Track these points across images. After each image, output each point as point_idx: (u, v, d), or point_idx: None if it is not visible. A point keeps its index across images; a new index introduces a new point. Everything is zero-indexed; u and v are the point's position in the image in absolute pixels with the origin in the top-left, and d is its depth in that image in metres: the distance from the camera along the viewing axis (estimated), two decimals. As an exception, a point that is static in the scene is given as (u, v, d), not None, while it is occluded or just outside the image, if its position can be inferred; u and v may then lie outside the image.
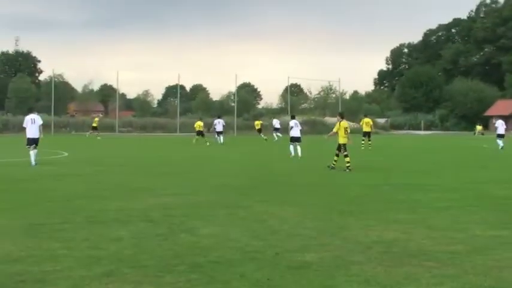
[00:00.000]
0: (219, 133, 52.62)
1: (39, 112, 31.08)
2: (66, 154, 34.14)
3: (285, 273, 7.77)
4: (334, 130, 25.04)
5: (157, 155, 35.42)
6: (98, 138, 61.21)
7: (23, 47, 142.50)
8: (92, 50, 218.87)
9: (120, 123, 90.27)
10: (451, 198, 15.57)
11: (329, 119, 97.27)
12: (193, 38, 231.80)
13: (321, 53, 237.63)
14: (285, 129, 59.51)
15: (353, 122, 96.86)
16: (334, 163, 24.25)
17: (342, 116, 25.30)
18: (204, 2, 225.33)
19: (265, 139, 56.10)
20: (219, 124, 53.08)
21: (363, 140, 42.67)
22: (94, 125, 68.43)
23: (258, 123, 64.32)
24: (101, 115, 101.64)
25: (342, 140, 24.44)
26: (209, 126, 52.93)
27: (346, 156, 24.08)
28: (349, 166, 23.62)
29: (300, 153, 30.79)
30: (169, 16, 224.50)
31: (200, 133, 50.40)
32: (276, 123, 63.33)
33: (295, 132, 31.50)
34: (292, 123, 32.22)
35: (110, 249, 9.12)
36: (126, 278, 7.49)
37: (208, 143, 47.55)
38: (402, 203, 14.63)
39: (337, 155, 24.45)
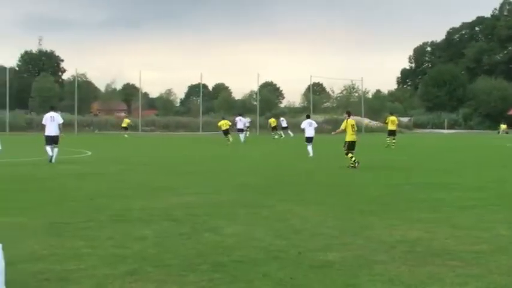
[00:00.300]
0: (239, 130, 53.07)
1: (62, 111, 31.32)
2: (89, 153, 34.35)
3: (308, 272, 7.77)
4: (342, 127, 25.39)
5: (179, 154, 35.52)
6: (125, 136, 61.65)
7: (46, 47, 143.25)
8: (114, 49, 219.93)
9: (143, 122, 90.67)
10: (474, 197, 15.47)
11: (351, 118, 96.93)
12: (215, 37, 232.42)
13: (344, 52, 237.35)
14: (296, 127, 59.99)
15: (376, 121, 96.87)
16: (352, 162, 24.33)
17: (349, 114, 25.82)
18: (226, 1, 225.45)
19: (275, 137, 56.73)
20: (240, 122, 53.61)
21: (388, 139, 42.56)
22: (124, 125, 68.98)
23: (273, 121, 65.20)
24: (123, 114, 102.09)
25: (350, 137, 24.84)
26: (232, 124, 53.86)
27: (347, 154, 24.55)
28: (355, 161, 24.02)
29: (311, 153, 30.98)
30: (192, 15, 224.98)
31: (227, 132, 50.68)
32: (283, 122, 64.51)
33: (309, 132, 31.69)
34: (305, 124, 32.29)
35: (133, 248, 9.15)
36: (150, 277, 7.51)
37: (231, 140, 48.00)
38: (424, 202, 14.56)
39: (348, 153, 24.68)
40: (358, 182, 19.42)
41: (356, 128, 25.46)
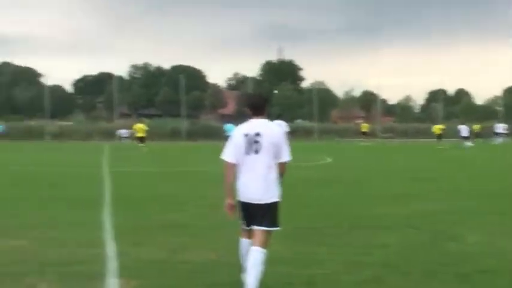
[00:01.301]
0: (464, 138, 53.51)
1: (302, 119, 32.19)
2: (330, 160, 34.85)
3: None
4: None
5: (418, 160, 35.09)
6: (368, 144, 61.99)
7: (286, 56, 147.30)
8: (353, 56, 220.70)
9: (381, 129, 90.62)
10: None
11: None
12: (457, 41, 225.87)
13: None
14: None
15: None
16: None
17: None
18: (465, 2, 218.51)
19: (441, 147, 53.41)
20: (464, 130, 54.41)
21: None
22: (363, 130, 70.08)
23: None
24: (360, 121, 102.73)
25: None
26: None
27: None
28: None
29: None
30: (432, 19, 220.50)
31: (440, 137, 55.39)
32: (463, 130, 58.69)
33: None
34: None
35: (375, 254, 9.15)
36: (392, 284, 7.49)
37: (445, 146, 48.87)
38: None
39: None
40: None
41: None
